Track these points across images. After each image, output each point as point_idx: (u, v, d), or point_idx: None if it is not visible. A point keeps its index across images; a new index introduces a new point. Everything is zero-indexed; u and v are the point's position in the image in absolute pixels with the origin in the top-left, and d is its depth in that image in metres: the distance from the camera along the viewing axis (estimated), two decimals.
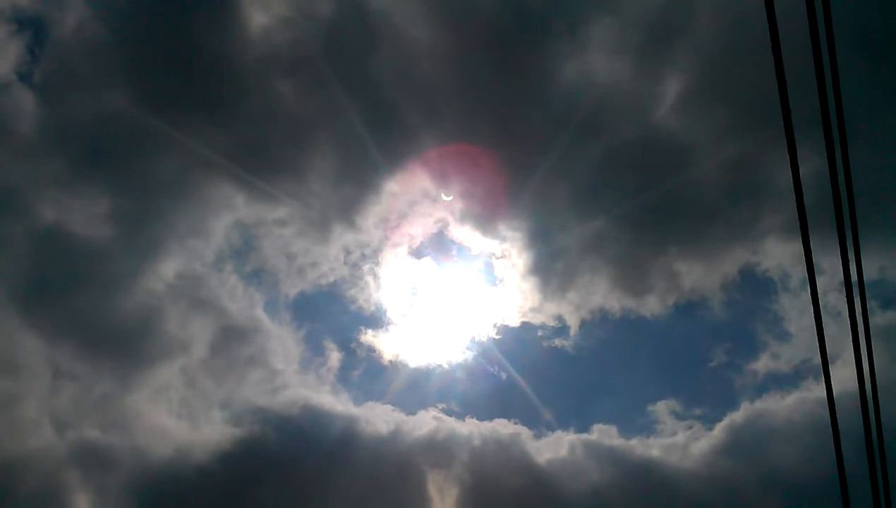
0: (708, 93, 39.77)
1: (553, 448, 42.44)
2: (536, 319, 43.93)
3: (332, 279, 44.04)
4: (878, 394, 7.18)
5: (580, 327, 44.48)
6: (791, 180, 5.47)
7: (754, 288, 46.06)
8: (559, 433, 43.31)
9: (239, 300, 44.11)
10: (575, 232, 42.81)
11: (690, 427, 43.57)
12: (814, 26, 5.02)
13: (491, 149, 40.74)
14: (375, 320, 47.55)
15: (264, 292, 45.41)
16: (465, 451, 41.11)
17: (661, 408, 45.08)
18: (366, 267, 43.83)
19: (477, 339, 44.93)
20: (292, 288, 45.46)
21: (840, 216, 5.79)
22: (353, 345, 45.80)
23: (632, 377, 49.34)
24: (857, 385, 6.90)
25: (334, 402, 43.19)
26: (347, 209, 42.53)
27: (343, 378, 47.64)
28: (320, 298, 47.50)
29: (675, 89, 39.88)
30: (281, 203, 41.72)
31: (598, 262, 43.63)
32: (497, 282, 43.72)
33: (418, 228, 42.98)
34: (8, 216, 39.44)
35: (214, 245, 42.90)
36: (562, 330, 44.49)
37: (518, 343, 45.13)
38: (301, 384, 43.90)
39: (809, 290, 6.05)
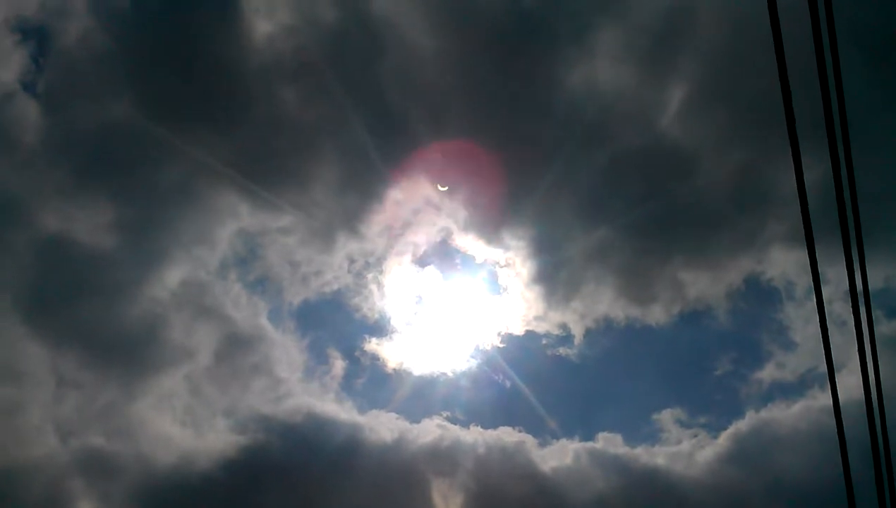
0: (712, 101, 39.81)
1: (558, 456, 42.38)
2: (541, 328, 43.93)
3: (335, 287, 44.10)
4: (884, 403, 7.15)
5: (585, 336, 44.47)
6: (796, 188, 5.47)
7: (759, 296, 46.02)
8: (564, 441, 43.24)
9: (243, 308, 44.18)
10: (579, 240, 42.84)
11: (696, 436, 43.48)
12: (817, 35, 5.02)
13: (495, 158, 40.79)
14: (379, 328, 47.52)
15: (268, 300, 45.49)
16: (469, 459, 41.07)
17: (667, 417, 45.00)
18: (370, 276, 43.91)
19: (481, 347, 44.95)
20: (296, 297, 45.52)
21: (845, 224, 5.78)
22: (357, 353, 45.77)
23: (637, 385, 49.25)
24: (862, 393, 6.88)
25: (338, 410, 43.20)
26: (351, 217, 42.63)
27: (347, 386, 47.60)
28: (324, 306, 47.58)
29: (679, 97, 39.94)
30: (285, 211, 41.83)
31: (603, 271, 43.63)
32: (501, 291, 43.75)
33: (422, 237, 43.06)
34: (12, 225, 39.59)
35: (218, 253, 43.01)
36: (566, 338, 44.48)
37: (522, 351, 45.13)
38: (305, 392, 43.92)
39: (815, 299, 6.04)
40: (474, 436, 42.12)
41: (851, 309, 6.32)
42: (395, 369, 44.08)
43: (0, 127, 39.07)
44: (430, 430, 42.14)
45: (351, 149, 40.43)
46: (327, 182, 42.13)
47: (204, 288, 42.97)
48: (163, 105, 40.12)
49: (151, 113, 39.73)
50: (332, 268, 43.51)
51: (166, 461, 39.66)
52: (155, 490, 38.64)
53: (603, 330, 45.04)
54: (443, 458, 40.99)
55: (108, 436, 40.39)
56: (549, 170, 40.56)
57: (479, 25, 38.70)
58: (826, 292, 6.06)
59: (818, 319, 6.17)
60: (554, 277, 43.72)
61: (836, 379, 6.60)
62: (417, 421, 42.67)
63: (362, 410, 44.51)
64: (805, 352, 44.00)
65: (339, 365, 45.54)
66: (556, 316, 43.93)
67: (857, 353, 6.60)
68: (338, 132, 40.15)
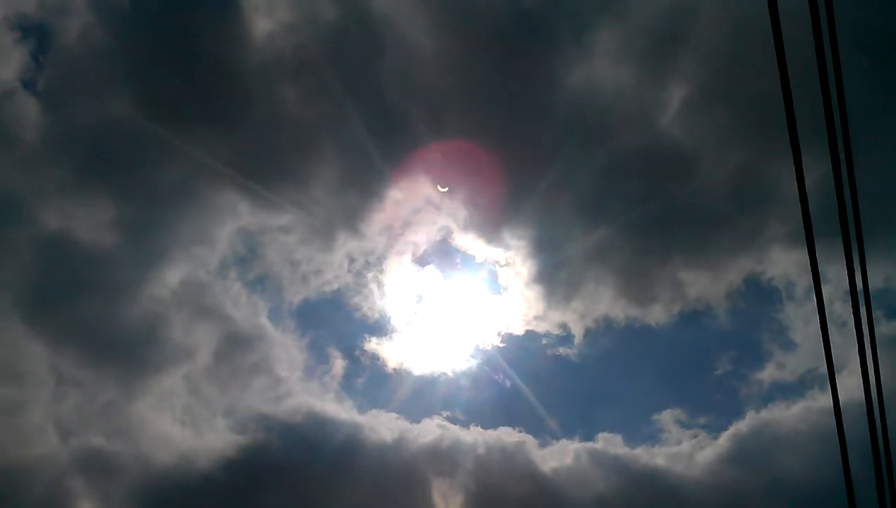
0: (712, 101, 39.80)
1: (558, 456, 42.39)
2: (541, 327, 43.94)
3: (335, 286, 44.11)
4: (885, 403, 7.15)
5: (585, 335, 44.48)
6: (796, 189, 5.46)
7: (759, 297, 46.03)
8: (564, 441, 43.25)
9: (243, 307, 44.19)
10: (579, 240, 42.84)
11: (696, 436, 43.49)
12: (818, 35, 5.01)
13: (495, 157, 40.78)
14: (379, 328, 47.54)
15: (268, 299, 45.51)
16: (469, 459, 41.08)
17: (667, 417, 45.01)
18: (370, 275, 43.90)
19: (481, 347, 44.95)
20: (296, 296, 45.53)
21: (845, 224, 5.77)
22: (357, 353, 45.80)
23: (637, 386, 49.26)
24: (862, 394, 6.87)
25: (338, 410, 43.20)
26: (351, 216, 42.64)
27: (347, 385, 47.61)
28: (324, 306, 47.57)
29: (679, 97, 39.94)
30: (285, 210, 41.83)
31: (603, 271, 43.64)
32: (501, 291, 43.76)
33: (422, 236, 43.06)
34: (12, 223, 39.58)
35: (218, 252, 43.01)
36: (566, 338, 44.48)
37: (522, 351, 45.13)
38: (305, 391, 43.94)
39: (815, 299, 6.03)
40: (474, 436, 42.20)
41: (851, 310, 6.31)
42: (395, 369, 44.14)
43: (0, 125, 39.14)
44: (431, 430, 42.21)
45: (351, 148, 40.46)
46: (327, 181, 42.19)
47: (204, 287, 43.04)
48: (163, 103, 40.16)
49: (151, 111, 39.78)
50: (332, 267, 43.57)
51: (166, 460, 39.73)
52: (155, 489, 38.70)
53: (603, 330, 45.10)
54: (443, 458, 41.05)
55: (107, 436, 40.46)
56: (550, 169, 40.60)
57: (479, 25, 38.73)
58: (826, 292, 6.06)
59: (818, 319, 6.17)
60: (554, 277, 43.77)
61: (837, 380, 6.59)
62: (417, 421, 42.75)
63: (362, 410, 44.59)
64: (805, 353, 44.04)
65: (339, 364, 45.60)
66: (556, 316, 43.99)
67: (857, 354, 6.60)
68: (338, 131, 40.19)
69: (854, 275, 6.03)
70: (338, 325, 48.49)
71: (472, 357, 46.09)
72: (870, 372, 6.72)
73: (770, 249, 42.40)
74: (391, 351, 44.83)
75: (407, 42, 39.49)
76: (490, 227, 42.67)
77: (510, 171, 41.37)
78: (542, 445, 42.64)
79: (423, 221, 42.81)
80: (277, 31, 38.82)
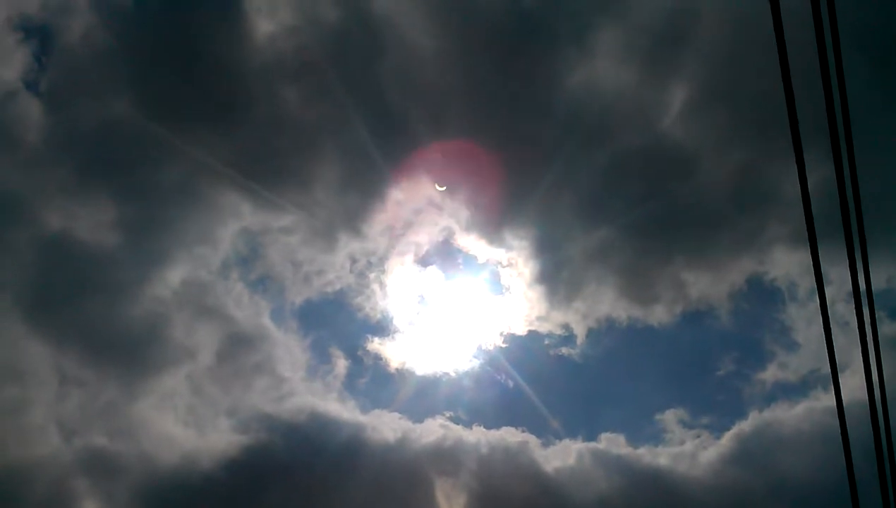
0: (714, 101, 39.77)
1: (561, 456, 42.35)
2: (543, 328, 43.90)
3: (338, 287, 44.11)
4: (888, 404, 7.14)
5: (587, 336, 44.44)
6: (798, 189, 5.46)
7: (762, 297, 45.96)
8: (567, 441, 43.22)
9: (245, 307, 44.23)
10: (581, 240, 42.82)
11: (698, 436, 43.44)
12: (820, 34, 5.01)
13: (497, 158, 40.78)
14: (382, 328, 47.49)
15: (270, 300, 45.54)
16: (472, 459, 41.05)
17: (669, 417, 44.96)
18: (372, 275, 43.93)
19: (484, 348, 44.98)
20: (298, 296, 45.54)
21: (848, 225, 5.77)
22: (359, 353, 45.80)
23: (639, 386, 49.23)
24: (865, 394, 6.87)
25: (341, 410, 43.21)
26: (353, 217, 42.67)
27: (350, 385, 47.59)
28: (326, 306, 47.56)
29: (681, 97, 39.91)
30: (287, 211, 41.86)
31: (605, 271, 43.61)
32: (503, 291, 43.72)
33: (424, 236, 43.07)
34: (14, 223, 39.65)
35: (221, 253, 43.04)
36: (569, 338, 44.45)
37: (525, 351, 45.09)
38: (308, 391, 43.94)
39: (818, 299, 6.03)
40: (477, 436, 42.17)
41: (854, 310, 6.31)
42: (397, 369, 44.14)
43: (2, 125, 39.22)
44: (433, 430, 42.20)
45: (352, 148, 40.48)
46: (329, 181, 42.21)
47: (206, 287, 43.07)
48: (165, 104, 40.21)
49: (154, 112, 39.83)
50: (334, 268, 43.57)
51: (168, 460, 39.76)
52: (157, 489, 38.72)
53: (605, 331, 45.07)
54: (445, 458, 41.03)
55: (110, 436, 40.49)
56: (551, 170, 40.59)
57: (480, 25, 38.73)
58: (829, 293, 6.05)
59: (821, 320, 6.16)
60: (556, 277, 43.76)
61: (840, 380, 6.59)
62: (420, 421, 42.73)
63: (365, 410, 44.57)
64: (808, 353, 43.97)
65: (341, 364, 45.61)
66: (559, 316, 43.98)
67: (860, 354, 6.60)
68: (339, 131, 40.20)
69: (857, 276, 6.03)
70: (340, 325, 48.57)
71: (475, 357, 46.20)
72: (873, 373, 6.72)
73: (772, 250, 42.40)
74: (394, 352, 44.87)
75: (408, 43, 39.56)
76: (492, 228, 42.74)
77: (512, 172, 41.41)
78: (545, 445, 42.66)
79: (424, 222, 42.86)
80: (279, 32, 38.92)
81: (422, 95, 40.37)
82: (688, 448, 42.85)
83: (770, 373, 45.11)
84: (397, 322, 44.67)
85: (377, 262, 43.31)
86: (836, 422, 6.82)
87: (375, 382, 46.42)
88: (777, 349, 46.80)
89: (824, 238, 5.76)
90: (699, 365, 48.48)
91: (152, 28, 38.35)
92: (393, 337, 43.82)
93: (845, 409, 6.75)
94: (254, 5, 38.80)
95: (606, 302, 43.80)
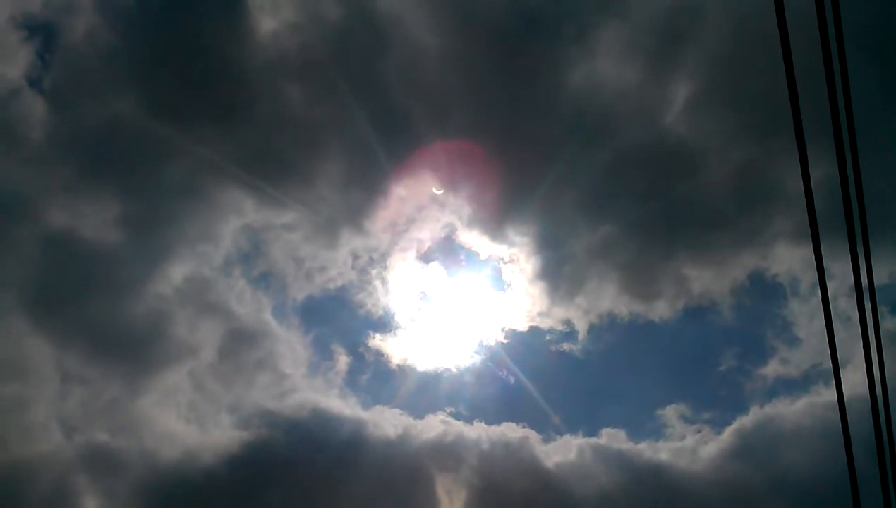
0: (717, 97, 39.77)
1: (561, 452, 42.42)
2: (545, 323, 43.98)
3: (340, 283, 44.17)
4: (889, 399, 7.18)
5: (588, 331, 44.49)
6: (801, 185, 5.49)
7: (764, 292, 46.00)
8: (567, 437, 43.31)
9: (247, 304, 44.30)
10: (583, 236, 42.87)
11: (699, 432, 43.51)
12: (824, 31, 5.04)
13: (499, 154, 40.82)
14: (383, 324, 47.49)
15: (272, 296, 45.61)
16: (473, 455, 41.13)
17: (670, 412, 45.02)
18: (374, 272, 43.94)
19: (485, 343, 44.97)
20: (300, 293, 45.59)
21: (850, 220, 5.80)
22: (361, 349, 45.88)
23: (640, 381, 49.27)
24: (867, 389, 6.90)
25: (342, 406, 43.29)
26: (355, 214, 42.71)
27: (351, 382, 47.71)
28: (328, 302, 47.62)
29: (683, 94, 39.91)
30: (289, 208, 41.91)
31: (607, 267, 43.65)
32: (505, 287, 43.78)
33: (426, 233, 43.11)
34: (18, 221, 39.69)
35: (223, 249, 43.10)
36: (570, 334, 44.50)
37: (526, 347, 45.18)
38: (309, 388, 44.03)
39: (820, 295, 6.06)
40: (478, 432, 42.26)
41: (856, 305, 6.34)
42: (399, 365, 44.20)
43: (6, 123, 39.24)
44: (434, 426, 42.30)
45: (355, 145, 40.54)
46: (331, 178, 42.23)
47: (208, 284, 43.13)
48: (168, 102, 40.26)
49: (157, 109, 39.87)
50: (336, 264, 43.63)
51: (171, 457, 39.83)
52: (159, 486, 38.81)
53: (607, 326, 45.11)
54: (447, 454, 41.11)
55: (112, 432, 40.58)
56: (553, 166, 40.61)
57: (482, 24, 38.73)
58: (831, 288, 6.09)
59: (823, 315, 6.19)
60: (558, 273, 43.82)
61: (841, 375, 6.63)
62: (421, 417, 42.82)
63: (366, 406, 44.63)
64: (809, 348, 44.03)
65: (343, 360, 45.68)
66: (560, 312, 44.04)
67: (861, 349, 6.63)
68: (342, 129, 40.25)
69: (859, 271, 6.06)
70: (342, 322, 48.58)
71: (476, 353, 46.17)
72: (874, 368, 6.76)
73: (774, 245, 42.43)
74: (395, 348, 44.93)
75: (411, 41, 39.59)
76: (494, 224, 42.75)
77: (514, 169, 41.45)
78: (546, 440, 42.75)
79: (426, 218, 42.92)
80: (282, 31, 38.93)
81: (424, 92, 40.45)
82: (689, 444, 42.98)
83: (771, 368, 45.22)
84: (399, 318, 44.73)
85: (379, 259, 43.41)
86: (838, 417, 6.85)
87: (377, 378, 46.56)
88: (778, 344, 46.88)
89: (826, 233, 5.79)
90: (700, 360, 48.55)
91: (155, 26, 38.43)
92: (394, 334, 43.94)
93: (846, 404, 6.78)
94: (257, 3, 38.84)
95: (608, 297, 43.90)
